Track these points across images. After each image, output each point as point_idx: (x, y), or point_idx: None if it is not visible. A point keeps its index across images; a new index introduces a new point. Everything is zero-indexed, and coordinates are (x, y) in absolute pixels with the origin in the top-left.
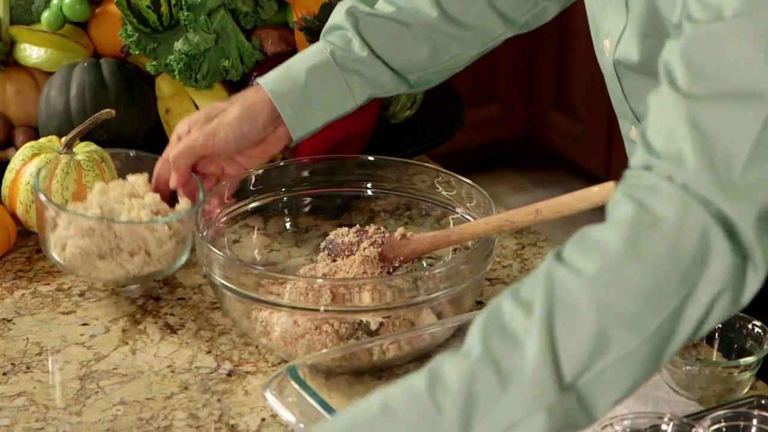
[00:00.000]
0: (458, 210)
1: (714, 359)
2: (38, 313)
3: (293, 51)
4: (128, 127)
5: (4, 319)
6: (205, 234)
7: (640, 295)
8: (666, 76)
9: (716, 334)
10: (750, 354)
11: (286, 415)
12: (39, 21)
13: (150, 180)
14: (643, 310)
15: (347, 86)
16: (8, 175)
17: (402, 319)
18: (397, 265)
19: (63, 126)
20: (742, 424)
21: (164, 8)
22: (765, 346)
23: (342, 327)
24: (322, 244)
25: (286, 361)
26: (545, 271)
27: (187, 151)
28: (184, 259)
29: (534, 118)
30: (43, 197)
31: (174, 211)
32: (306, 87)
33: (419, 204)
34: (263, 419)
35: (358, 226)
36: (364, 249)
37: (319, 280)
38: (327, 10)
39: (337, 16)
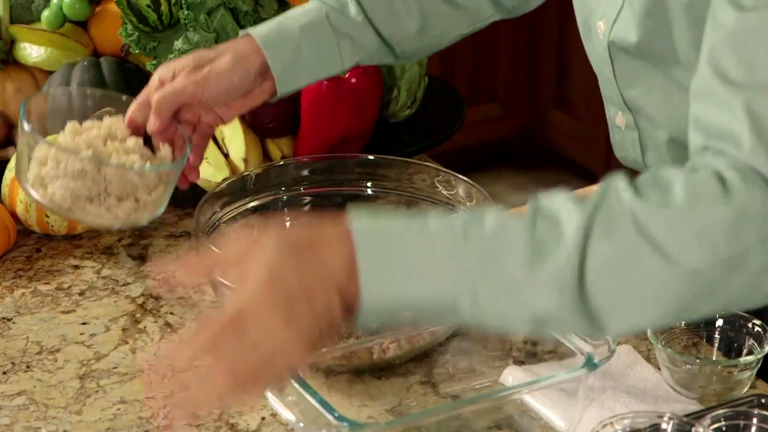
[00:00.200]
0: (458, 209)
1: (714, 358)
2: (38, 312)
3: None
4: None
5: (4, 318)
6: (205, 233)
7: (688, 237)
8: (714, 68)
9: (716, 333)
10: (750, 353)
11: (286, 414)
12: (39, 20)
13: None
14: (685, 251)
15: (338, 50)
16: (8, 174)
17: None
18: None
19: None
20: (742, 423)
21: (164, 7)
22: (765, 346)
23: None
24: None
25: None
26: (608, 185)
27: (172, 98)
28: (163, 208)
29: (534, 117)
30: (27, 126)
31: (155, 157)
32: (298, 45)
33: (419, 203)
34: (263, 418)
35: None
36: None
37: None
38: None
39: None
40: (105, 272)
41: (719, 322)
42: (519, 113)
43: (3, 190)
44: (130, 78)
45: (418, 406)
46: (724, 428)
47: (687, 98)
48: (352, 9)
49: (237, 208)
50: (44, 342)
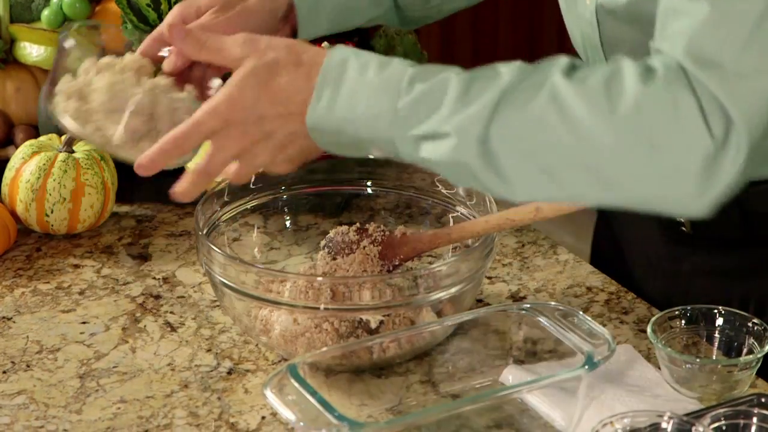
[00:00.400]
0: (458, 208)
1: (714, 357)
2: (38, 312)
3: None
4: None
5: (4, 317)
6: (205, 232)
7: (595, 106)
8: None
9: (716, 332)
10: (750, 352)
11: (286, 414)
12: (39, 19)
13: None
14: (592, 120)
15: (358, 1)
16: (8, 174)
17: (402, 317)
18: (397, 263)
19: None
20: (742, 422)
21: (164, 6)
22: (765, 345)
23: (342, 325)
24: (322, 243)
25: (286, 360)
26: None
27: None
28: (198, 152)
29: None
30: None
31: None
32: None
33: (419, 202)
34: (263, 417)
35: (358, 224)
36: (364, 247)
37: (319, 278)
38: None
39: None
40: (105, 271)
41: (719, 321)
42: None
43: (3, 190)
44: None
45: (418, 405)
46: (724, 427)
47: None
48: None
49: (237, 207)
50: (44, 341)
